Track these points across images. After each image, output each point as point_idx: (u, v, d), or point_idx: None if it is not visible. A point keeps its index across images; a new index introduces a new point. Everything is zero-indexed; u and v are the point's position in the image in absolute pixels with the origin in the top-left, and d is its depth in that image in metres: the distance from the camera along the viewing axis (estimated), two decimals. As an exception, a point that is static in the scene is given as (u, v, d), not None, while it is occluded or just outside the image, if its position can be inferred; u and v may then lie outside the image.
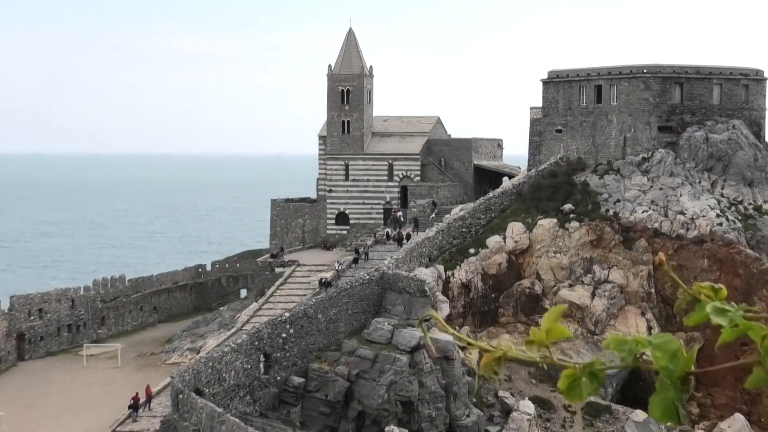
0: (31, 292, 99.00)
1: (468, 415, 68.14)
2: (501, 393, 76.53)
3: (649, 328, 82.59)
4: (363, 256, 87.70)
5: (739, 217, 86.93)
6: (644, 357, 3.61)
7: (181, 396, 61.83)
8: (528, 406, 75.04)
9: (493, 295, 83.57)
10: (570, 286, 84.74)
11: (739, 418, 75.23)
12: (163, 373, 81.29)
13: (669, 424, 3.41)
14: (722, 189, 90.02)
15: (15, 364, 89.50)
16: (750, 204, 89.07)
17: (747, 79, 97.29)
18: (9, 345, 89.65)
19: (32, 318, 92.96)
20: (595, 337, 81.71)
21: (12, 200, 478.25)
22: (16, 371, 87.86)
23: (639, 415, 77.38)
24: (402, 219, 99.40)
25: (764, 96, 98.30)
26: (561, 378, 3.62)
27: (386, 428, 52.36)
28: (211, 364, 64.85)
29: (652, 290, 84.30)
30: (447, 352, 68.98)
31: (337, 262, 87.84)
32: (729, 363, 3.72)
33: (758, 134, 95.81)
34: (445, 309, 76.60)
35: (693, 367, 3.42)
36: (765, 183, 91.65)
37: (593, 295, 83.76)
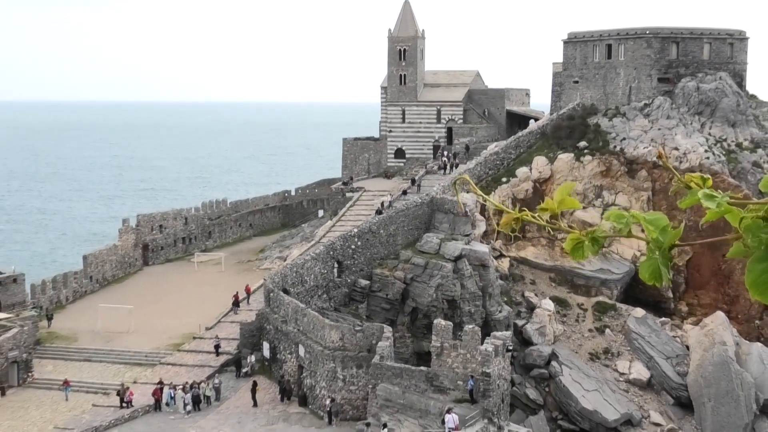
0: (153, 212, 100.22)
1: (500, 311, 68.40)
2: (527, 293, 76.68)
3: (648, 242, 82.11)
4: (416, 187, 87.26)
5: (723, 152, 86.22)
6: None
7: (271, 294, 62.55)
8: (548, 304, 75.16)
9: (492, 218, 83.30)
10: (583, 208, 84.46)
11: (720, 315, 74.92)
12: (257, 276, 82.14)
13: (655, 283, 3.38)
14: (710, 129, 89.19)
15: (141, 269, 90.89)
16: (732, 141, 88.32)
17: (732, 38, 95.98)
18: (136, 253, 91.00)
19: (154, 232, 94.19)
20: (603, 249, 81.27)
21: (137, 140, 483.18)
22: (142, 274, 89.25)
23: (638, 311, 77.30)
24: (447, 153, 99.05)
25: (746, 52, 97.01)
26: (567, 240, 3.57)
27: (434, 321, 52.63)
28: (295, 269, 65.46)
29: (651, 211, 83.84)
30: (483, 261, 69.12)
31: (390, 193, 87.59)
32: (712, 239, 3.68)
33: (740, 84, 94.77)
34: (482, 226, 76.59)
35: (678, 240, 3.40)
36: (745, 124, 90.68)
37: (602, 214, 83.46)
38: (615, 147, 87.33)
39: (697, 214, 75.43)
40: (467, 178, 4.12)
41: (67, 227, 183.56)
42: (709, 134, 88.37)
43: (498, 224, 3.78)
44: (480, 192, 3.84)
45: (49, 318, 71.33)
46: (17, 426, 53.51)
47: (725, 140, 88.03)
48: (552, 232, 3.55)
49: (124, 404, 54.96)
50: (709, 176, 3.47)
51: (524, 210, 3.70)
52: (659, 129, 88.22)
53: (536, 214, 3.73)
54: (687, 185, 3.51)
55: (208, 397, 56.33)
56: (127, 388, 56.37)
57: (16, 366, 61.41)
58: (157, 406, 55.30)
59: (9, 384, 60.51)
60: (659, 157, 3.84)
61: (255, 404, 55.87)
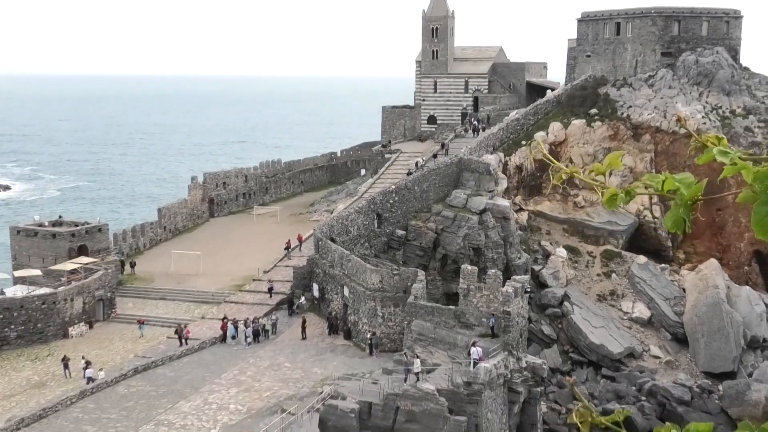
0: (218, 170, 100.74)
1: (519, 258, 68.33)
2: (543, 242, 76.55)
3: (650, 198, 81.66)
4: (444, 151, 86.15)
5: (719, 118, 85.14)
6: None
7: (320, 242, 62.90)
8: (562, 252, 75.04)
9: (538, 174, 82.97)
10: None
11: (713, 262, 74.62)
12: (308, 226, 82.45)
13: (677, 231, 3.41)
14: (707, 98, 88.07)
15: (208, 220, 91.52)
16: (727, 108, 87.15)
17: (728, 17, 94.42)
18: (203, 207, 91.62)
19: (219, 188, 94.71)
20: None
21: (200, 109, 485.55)
22: (208, 225, 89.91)
23: (641, 258, 77.04)
24: (474, 121, 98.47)
25: (740, 29, 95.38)
26: (606, 193, 3.64)
27: (462, 266, 52.70)
28: (340, 220, 65.70)
29: (653, 171, 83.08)
30: (505, 214, 68.93)
31: (422, 156, 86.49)
32: (731, 191, 3.71)
33: (735, 58, 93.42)
34: (503, 183, 76.29)
35: (700, 195, 3.42)
36: (739, 93, 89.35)
37: (610, 174, 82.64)
38: (622, 114, 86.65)
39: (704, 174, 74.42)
40: (539, 141, 4.32)
41: (144, 184, 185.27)
42: (707, 102, 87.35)
43: (552, 178, 3.85)
44: (545, 152, 3.97)
45: (132, 265, 72.20)
46: (103, 354, 54.54)
47: (720, 107, 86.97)
48: (597, 188, 3.59)
49: (183, 341, 55.31)
50: (724, 136, 3.49)
51: (576, 169, 3.80)
52: (662, 98, 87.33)
53: (587, 172, 3.82)
54: (704, 144, 3.51)
55: (266, 331, 56.94)
56: (185, 326, 56.82)
57: (101, 303, 62.44)
58: (222, 338, 56.02)
59: (96, 318, 61.57)
60: (679, 120, 3.88)
61: (304, 337, 56.43)
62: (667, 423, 3.21)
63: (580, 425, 3.43)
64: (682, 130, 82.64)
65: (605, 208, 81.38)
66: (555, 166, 3.94)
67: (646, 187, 3.48)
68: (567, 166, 4.04)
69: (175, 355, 52.43)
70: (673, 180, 3.45)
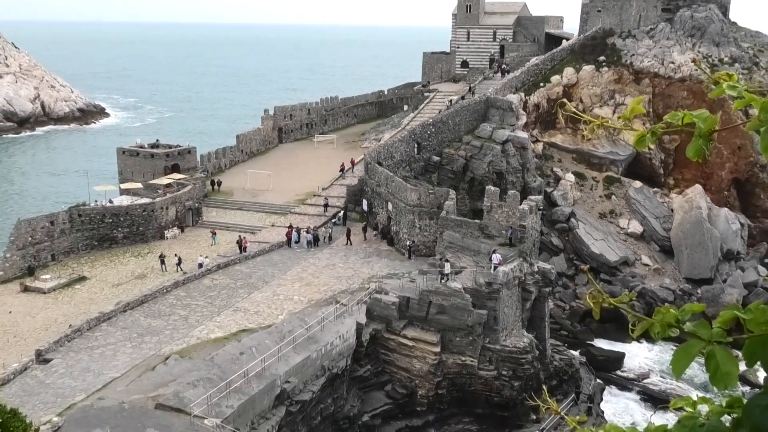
0: (285, 104, 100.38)
1: (535, 181, 67.78)
2: (555, 169, 75.78)
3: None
4: (471, 93, 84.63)
5: (708, 66, 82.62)
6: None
7: (369, 165, 62.82)
8: (570, 177, 74.27)
9: (553, 111, 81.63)
10: (600, 106, 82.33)
11: (698, 187, 73.62)
12: (359, 152, 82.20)
13: (698, 159, 3.31)
14: (699, 48, 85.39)
15: (277, 146, 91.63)
16: (716, 57, 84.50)
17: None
18: (274, 134, 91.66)
19: (286, 119, 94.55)
20: (613, 137, 79.83)
21: (268, 54, 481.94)
22: (277, 150, 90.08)
23: (637, 183, 76.19)
24: (503, 65, 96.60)
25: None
26: (634, 136, 3.52)
27: (486, 187, 52.40)
28: (386, 147, 65.44)
29: (651, 110, 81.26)
30: (524, 144, 68.15)
31: (449, 99, 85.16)
32: (733, 124, 3.57)
33: (725, 13, 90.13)
34: (523, 118, 75.19)
35: (716, 127, 3.32)
36: (726, 44, 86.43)
37: (614, 111, 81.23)
38: (626, 61, 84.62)
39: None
40: (566, 101, 4.11)
41: (225, 115, 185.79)
42: (699, 52, 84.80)
43: (585, 131, 3.71)
44: (573, 108, 3.83)
45: (219, 184, 72.43)
46: (192, 253, 55.51)
47: (710, 56, 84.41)
48: (625, 129, 3.45)
49: (242, 249, 54.35)
50: (735, 73, 3.33)
51: (604, 119, 3.66)
52: (660, 48, 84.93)
53: (610, 119, 3.68)
54: (716, 81, 3.38)
55: (329, 238, 57.27)
56: (243, 237, 56.12)
57: (191, 212, 63.33)
58: (288, 242, 56.63)
59: (186, 224, 62.54)
60: (694, 61, 3.71)
61: (350, 244, 56.68)
62: (666, 303, 3.17)
63: (592, 305, 3.41)
64: (677, 75, 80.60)
65: (607, 140, 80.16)
66: (585, 119, 3.83)
67: (668, 125, 3.35)
68: (582, 110, 3.90)
69: (250, 255, 53.24)
70: (692, 116, 3.36)
